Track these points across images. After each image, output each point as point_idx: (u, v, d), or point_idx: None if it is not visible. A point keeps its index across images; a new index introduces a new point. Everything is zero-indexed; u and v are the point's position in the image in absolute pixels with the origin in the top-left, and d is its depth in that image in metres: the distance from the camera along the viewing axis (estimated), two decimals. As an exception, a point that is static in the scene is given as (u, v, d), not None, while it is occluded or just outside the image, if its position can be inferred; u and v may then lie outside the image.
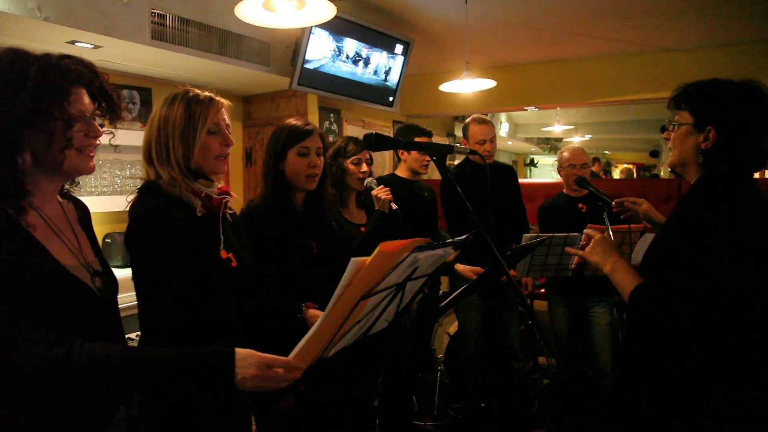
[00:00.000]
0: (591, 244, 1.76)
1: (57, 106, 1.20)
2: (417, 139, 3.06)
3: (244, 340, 1.31)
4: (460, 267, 3.17)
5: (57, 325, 1.15)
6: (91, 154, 1.30)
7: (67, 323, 1.18)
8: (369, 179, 2.63)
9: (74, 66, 1.26)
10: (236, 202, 1.83)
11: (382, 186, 2.59)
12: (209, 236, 1.60)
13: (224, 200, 1.64)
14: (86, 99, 1.28)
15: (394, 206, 2.55)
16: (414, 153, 3.10)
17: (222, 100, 1.64)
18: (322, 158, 2.14)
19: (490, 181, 3.17)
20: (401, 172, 3.19)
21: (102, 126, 1.33)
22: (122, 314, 1.43)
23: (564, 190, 3.46)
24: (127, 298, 1.55)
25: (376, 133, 1.66)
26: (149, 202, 1.54)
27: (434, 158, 1.70)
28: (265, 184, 2.15)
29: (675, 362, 1.53)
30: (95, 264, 1.35)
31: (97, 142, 1.31)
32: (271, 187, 2.11)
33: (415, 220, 2.88)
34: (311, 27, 3.83)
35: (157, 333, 1.55)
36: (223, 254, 1.61)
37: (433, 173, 6.72)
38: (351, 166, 2.60)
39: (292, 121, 2.16)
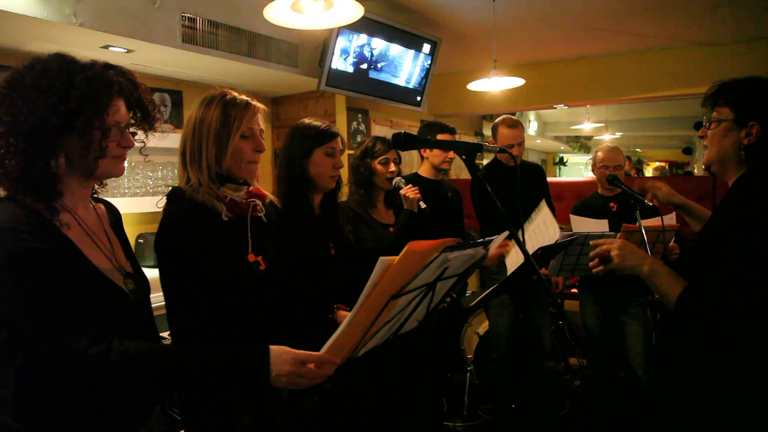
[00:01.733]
0: (617, 251, 1.64)
1: (97, 117, 1.22)
2: (440, 136, 3.05)
3: (276, 341, 1.31)
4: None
5: (93, 326, 1.17)
6: (123, 159, 1.33)
7: (103, 324, 1.19)
8: (397, 179, 2.63)
9: (117, 78, 1.28)
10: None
11: (410, 185, 2.58)
12: (237, 240, 1.58)
13: (252, 203, 1.62)
14: (123, 110, 1.30)
15: (423, 205, 2.54)
16: (436, 150, 3.08)
17: (258, 105, 1.63)
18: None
19: (520, 181, 3.13)
20: (424, 171, 3.17)
21: (134, 135, 1.35)
22: (155, 314, 1.46)
23: (598, 190, 3.42)
24: (159, 299, 1.56)
25: (404, 132, 1.65)
26: (173, 209, 1.55)
27: (463, 157, 1.67)
28: (282, 184, 2.12)
29: (727, 366, 1.47)
30: (127, 266, 1.37)
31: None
32: (291, 187, 2.09)
33: (441, 220, 2.87)
34: (339, 27, 3.84)
35: (186, 337, 1.56)
36: (251, 258, 1.59)
37: (460, 173, 6.70)
38: (379, 166, 2.60)
39: (315, 121, 2.15)
